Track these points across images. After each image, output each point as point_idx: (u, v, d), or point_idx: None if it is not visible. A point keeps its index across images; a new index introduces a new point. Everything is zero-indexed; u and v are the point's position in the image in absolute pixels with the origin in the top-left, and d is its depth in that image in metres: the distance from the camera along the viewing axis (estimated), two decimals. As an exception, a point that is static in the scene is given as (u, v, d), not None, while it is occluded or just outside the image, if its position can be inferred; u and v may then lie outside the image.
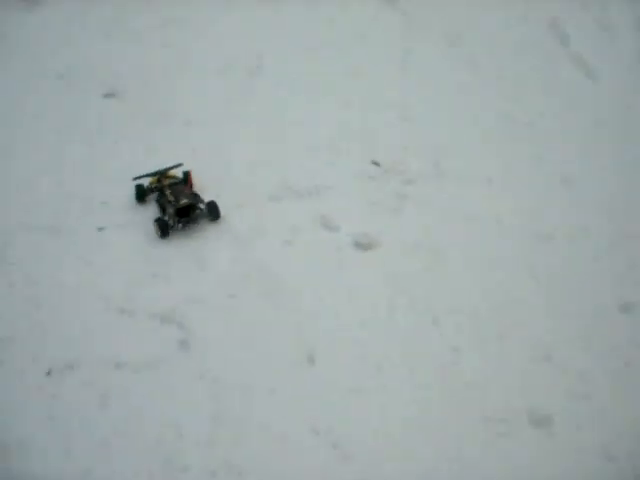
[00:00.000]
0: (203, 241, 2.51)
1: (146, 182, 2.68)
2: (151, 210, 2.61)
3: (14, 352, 2.16)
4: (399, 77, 3.37)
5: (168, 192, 2.58)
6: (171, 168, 2.71)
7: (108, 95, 3.09)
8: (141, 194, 2.64)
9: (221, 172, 2.76)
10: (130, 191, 2.66)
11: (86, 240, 2.48)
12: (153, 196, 2.64)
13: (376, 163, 2.85)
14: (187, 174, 2.69)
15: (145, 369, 2.15)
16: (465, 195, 2.71)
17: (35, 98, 3.03)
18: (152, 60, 3.25)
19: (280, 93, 3.20)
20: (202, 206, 2.54)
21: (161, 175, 2.67)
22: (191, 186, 2.66)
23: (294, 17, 3.82)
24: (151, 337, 2.24)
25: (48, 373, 2.09)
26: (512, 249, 2.51)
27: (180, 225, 2.49)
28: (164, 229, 2.48)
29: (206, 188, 2.66)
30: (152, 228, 2.50)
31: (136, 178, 2.66)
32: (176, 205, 2.50)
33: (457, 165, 2.85)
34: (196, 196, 2.59)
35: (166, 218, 2.51)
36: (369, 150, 2.91)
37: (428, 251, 2.49)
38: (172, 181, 2.65)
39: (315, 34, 3.68)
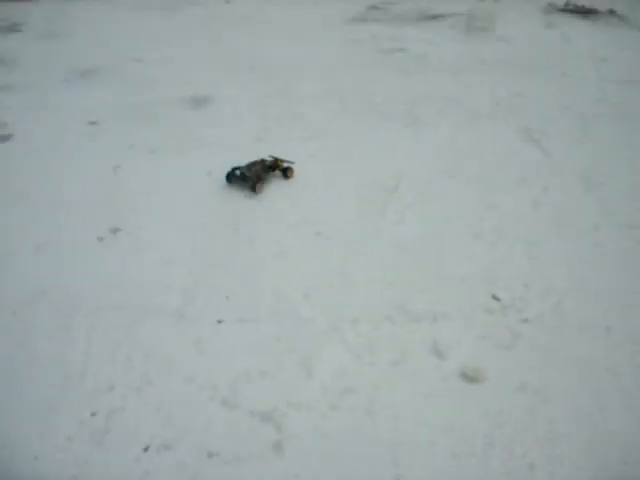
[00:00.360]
0: (313, 344, 2.58)
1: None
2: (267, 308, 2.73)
3: (121, 423, 2.29)
4: (531, 213, 3.40)
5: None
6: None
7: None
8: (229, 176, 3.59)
9: (340, 285, 2.87)
10: (253, 288, 2.82)
11: (206, 329, 2.63)
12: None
13: (496, 298, 2.86)
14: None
15: (236, 462, 2.21)
16: (581, 341, 2.65)
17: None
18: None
19: (412, 218, 3.32)
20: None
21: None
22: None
23: (435, 142, 3.98)
24: (247, 433, 2.30)
25: (146, 449, 2.20)
26: (624, 402, 2.40)
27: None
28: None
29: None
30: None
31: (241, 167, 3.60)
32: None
33: (577, 309, 2.79)
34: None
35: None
36: (491, 283, 2.93)
37: (534, 393, 2.43)
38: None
39: (455, 160, 3.81)
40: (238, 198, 3.50)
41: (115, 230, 3.20)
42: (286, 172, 3.71)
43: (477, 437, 2.30)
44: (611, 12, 9.63)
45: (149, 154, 3.93)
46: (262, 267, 2.96)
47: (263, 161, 3.61)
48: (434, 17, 8.48)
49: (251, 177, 3.48)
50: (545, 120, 4.69)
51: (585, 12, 9.65)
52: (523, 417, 2.35)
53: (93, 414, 2.31)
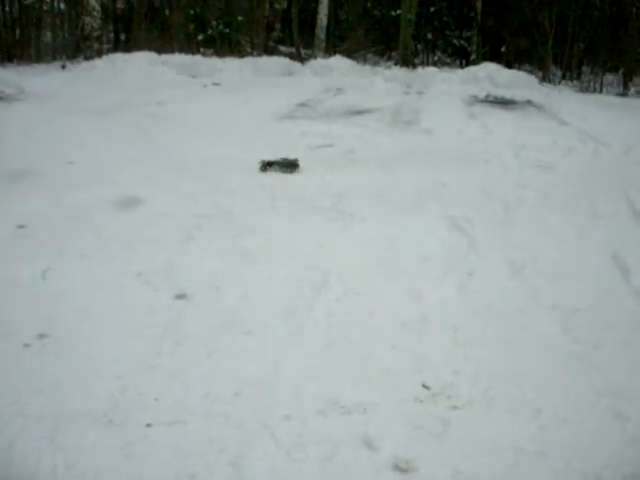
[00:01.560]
0: (244, 443, 2.55)
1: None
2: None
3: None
4: (457, 300, 3.50)
5: None
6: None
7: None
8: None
9: (271, 382, 2.87)
10: (182, 389, 2.80)
11: (134, 434, 2.58)
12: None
13: (426, 386, 2.90)
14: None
15: None
16: (512, 425, 2.69)
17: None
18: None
19: (340, 309, 3.38)
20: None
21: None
22: None
23: (362, 235, 4.10)
24: None
25: None
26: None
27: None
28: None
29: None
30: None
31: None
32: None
33: (506, 393, 2.85)
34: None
35: None
36: (420, 371, 2.97)
37: (466, 480, 2.45)
38: None
39: (381, 253, 3.91)
40: (167, 300, 3.51)
41: (42, 336, 3.15)
42: None
43: (411, 530, 2.29)
44: (528, 102, 10.20)
45: (78, 258, 3.93)
46: (191, 367, 2.95)
47: None
48: (361, 112, 8.82)
49: None
50: (469, 207, 4.88)
51: (505, 102, 10.21)
52: (456, 506, 2.36)
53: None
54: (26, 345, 3.08)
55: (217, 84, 12.35)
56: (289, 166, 5.71)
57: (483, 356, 3.09)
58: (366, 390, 2.84)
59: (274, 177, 5.59)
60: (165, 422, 2.64)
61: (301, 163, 5.80)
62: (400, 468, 2.49)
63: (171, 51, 16.20)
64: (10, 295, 3.50)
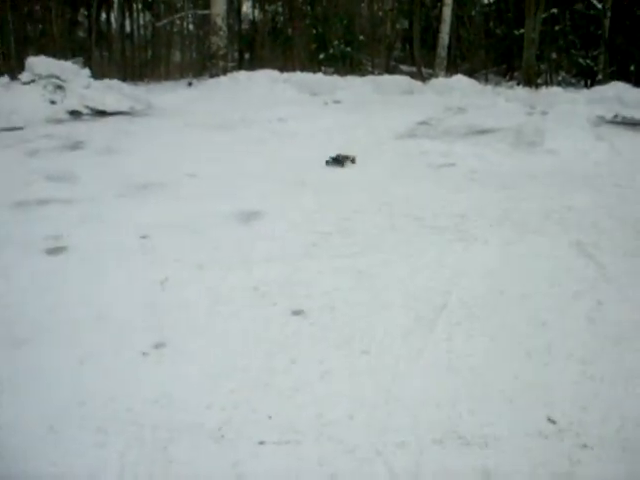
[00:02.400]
0: (356, 470, 2.45)
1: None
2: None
3: None
4: (586, 330, 3.28)
5: None
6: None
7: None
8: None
9: (386, 406, 2.76)
10: (296, 408, 2.74)
11: (245, 451, 2.54)
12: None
13: (552, 420, 2.71)
14: None
15: None
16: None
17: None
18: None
19: (461, 336, 3.23)
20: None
21: None
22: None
23: (484, 258, 3.93)
24: None
25: None
26: None
27: None
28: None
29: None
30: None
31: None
32: None
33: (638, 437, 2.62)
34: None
35: None
36: (545, 404, 2.78)
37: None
38: None
39: (504, 277, 3.74)
40: (284, 316, 3.47)
41: (159, 345, 3.18)
42: None
43: None
44: (660, 124, 9.63)
45: (196, 269, 3.96)
46: (306, 386, 2.88)
47: None
48: (482, 132, 8.60)
49: None
50: (598, 233, 4.61)
51: (634, 123, 9.69)
52: None
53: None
54: (144, 354, 3.11)
55: (337, 102, 12.41)
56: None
57: (615, 392, 2.86)
58: (487, 421, 2.68)
59: (394, 194, 5.49)
60: (277, 441, 2.57)
61: (420, 183, 5.69)
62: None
63: (293, 69, 16.51)
64: (129, 303, 3.56)
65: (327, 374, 2.96)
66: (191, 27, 21.79)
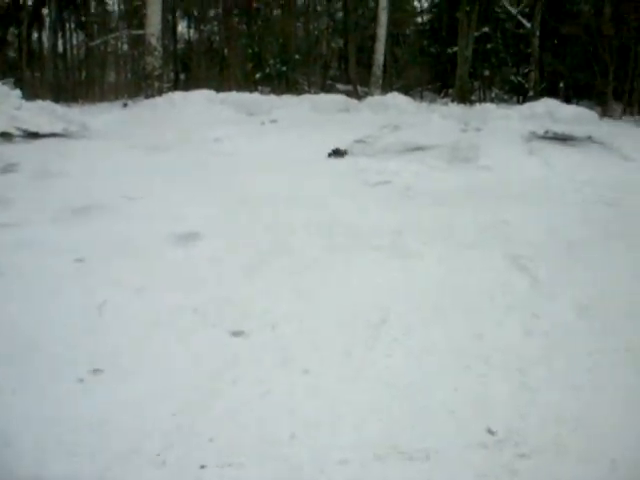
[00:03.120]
0: (300, 493, 2.45)
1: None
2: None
3: None
4: (521, 342, 3.36)
5: None
6: None
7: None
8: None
9: (328, 424, 2.77)
10: (237, 429, 2.72)
11: (188, 476, 2.51)
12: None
13: (491, 431, 2.76)
14: None
15: None
16: (584, 476, 2.54)
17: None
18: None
19: (400, 352, 3.27)
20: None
21: None
22: None
23: (421, 274, 3.99)
24: None
25: None
26: None
27: None
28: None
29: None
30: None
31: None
32: None
33: (577, 441, 2.69)
34: None
35: None
36: (484, 416, 2.84)
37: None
38: None
39: (441, 292, 3.80)
40: (224, 337, 3.45)
41: (97, 371, 3.12)
42: None
43: None
44: (589, 138, 9.97)
45: (135, 292, 3.92)
46: (247, 407, 2.87)
47: None
48: (418, 149, 8.74)
49: None
50: (532, 246, 4.74)
51: (564, 139, 10.00)
52: None
53: None
54: (80, 380, 3.05)
55: (274, 121, 12.44)
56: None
57: (551, 401, 2.94)
58: (428, 434, 2.72)
59: (331, 212, 5.53)
60: (220, 464, 2.56)
61: (356, 200, 5.75)
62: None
63: (229, 89, 16.49)
64: (66, 328, 3.49)
65: (268, 394, 2.96)
66: (125, 47, 21.63)
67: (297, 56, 19.77)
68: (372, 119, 12.15)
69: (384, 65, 18.77)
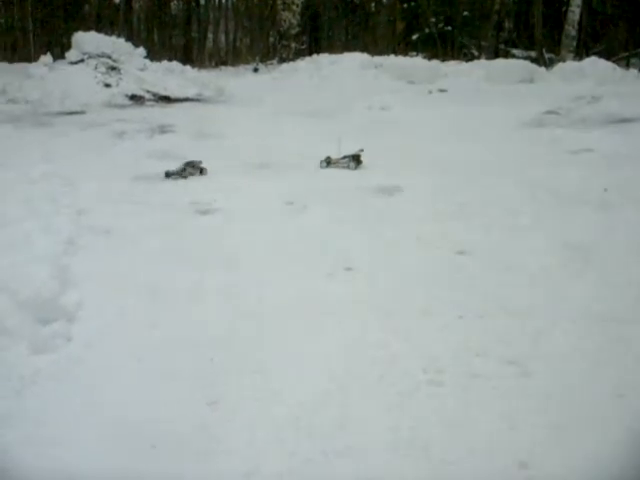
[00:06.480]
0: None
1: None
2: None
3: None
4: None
5: None
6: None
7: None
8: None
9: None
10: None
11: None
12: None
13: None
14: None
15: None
16: None
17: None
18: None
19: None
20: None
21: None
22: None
23: (627, 223, 5.68)
24: None
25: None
26: None
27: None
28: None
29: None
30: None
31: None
32: None
33: None
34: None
35: None
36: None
37: None
38: None
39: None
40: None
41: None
42: None
43: None
44: None
45: (356, 226, 5.78)
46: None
47: None
48: (625, 120, 10.30)
49: None
50: None
51: None
52: None
53: None
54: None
55: (443, 90, 14.32)
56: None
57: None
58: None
59: (530, 180, 7.29)
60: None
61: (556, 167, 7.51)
62: None
63: (377, 53, 18.34)
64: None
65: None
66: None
67: (465, 12, 21.35)
68: (563, 90, 13.62)
69: (579, 23, 19.47)
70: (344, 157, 7.92)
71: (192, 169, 7.48)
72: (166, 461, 2.99)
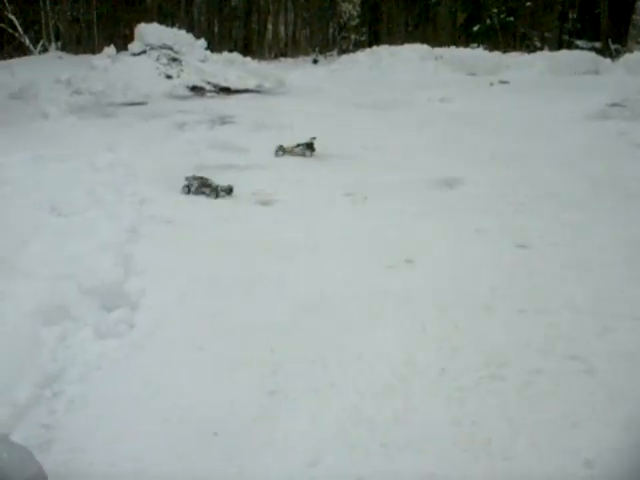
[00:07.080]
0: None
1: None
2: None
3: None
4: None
5: None
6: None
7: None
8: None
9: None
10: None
11: None
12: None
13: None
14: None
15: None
16: None
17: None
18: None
19: None
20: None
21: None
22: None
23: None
24: None
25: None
26: None
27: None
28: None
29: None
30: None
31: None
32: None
33: None
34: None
35: None
36: None
37: None
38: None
39: None
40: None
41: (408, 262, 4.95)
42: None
43: None
44: None
45: (416, 218, 5.77)
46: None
47: None
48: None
49: None
50: None
51: None
52: None
53: None
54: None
55: (505, 82, 14.21)
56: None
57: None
58: None
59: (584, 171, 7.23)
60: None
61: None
62: None
63: (437, 44, 18.31)
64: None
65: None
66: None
67: (528, 3, 21.23)
68: (629, 82, 13.45)
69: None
70: None
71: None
72: (228, 448, 3.02)
